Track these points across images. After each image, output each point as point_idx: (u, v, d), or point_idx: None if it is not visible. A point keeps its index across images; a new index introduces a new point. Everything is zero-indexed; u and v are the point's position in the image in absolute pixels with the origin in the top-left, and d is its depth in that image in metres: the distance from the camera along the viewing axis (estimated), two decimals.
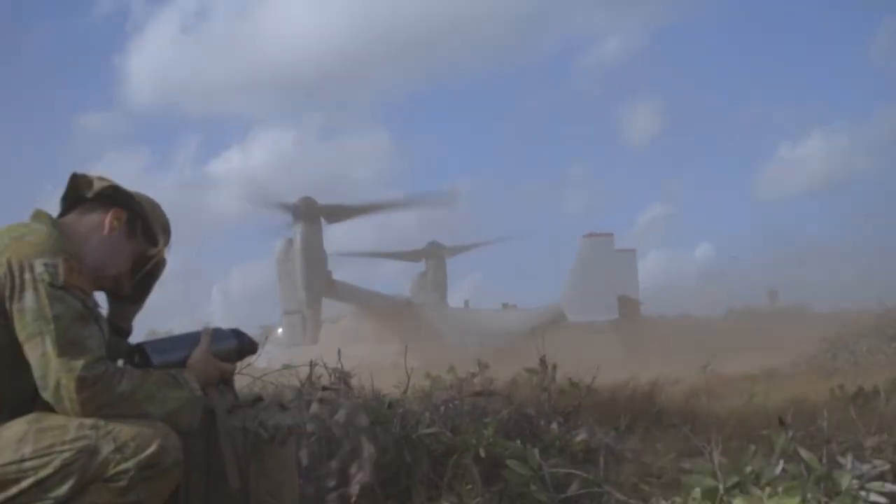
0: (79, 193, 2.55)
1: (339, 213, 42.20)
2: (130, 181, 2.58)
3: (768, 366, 16.98)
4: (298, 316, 41.52)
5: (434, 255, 48.52)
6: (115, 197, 2.54)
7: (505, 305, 46.67)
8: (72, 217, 2.52)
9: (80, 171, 2.56)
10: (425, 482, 3.91)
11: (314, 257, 40.50)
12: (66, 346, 2.14)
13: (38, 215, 2.42)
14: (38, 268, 2.20)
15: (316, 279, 40.48)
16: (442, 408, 4.75)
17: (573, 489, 3.64)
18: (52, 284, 2.19)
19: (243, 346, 2.70)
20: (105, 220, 2.51)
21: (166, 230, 2.68)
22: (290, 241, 41.92)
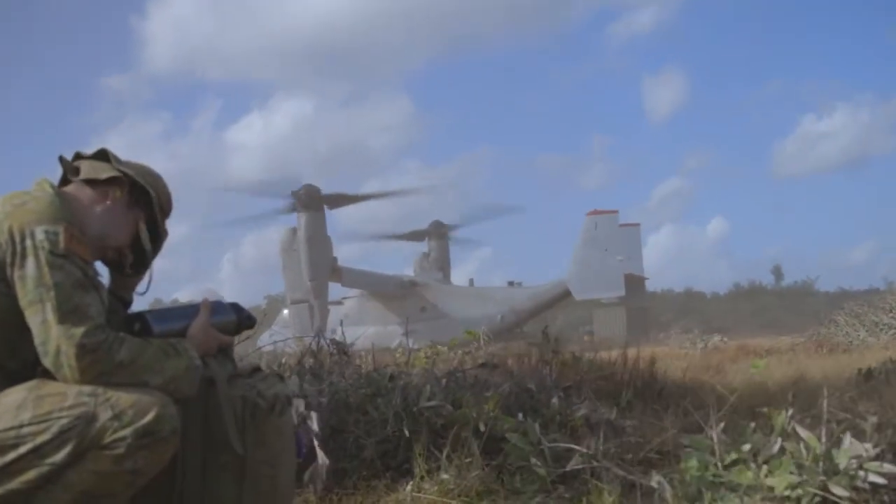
0: (76, 167, 2.55)
1: (340, 200, 41.77)
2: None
3: (770, 342, 17.01)
4: (305, 305, 41.14)
5: (437, 236, 48.31)
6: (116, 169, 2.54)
7: (511, 283, 46.50)
8: (74, 187, 2.51)
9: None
10: (425, 455, 3.92)
11: (319, 246, 39.93)
12: (67, 314, 2.14)
13: (41, 183, 2.41)
14: (39, 235, 2.20)
15: (321, 267, 39.97)
16: (444, 380, 4.77)
17: (573, 464, 3.65)
18: (52, 252, 2.19)
19: (242, 320, 2.71)
20: (107, 191, 2.51)
21: (168, 201, 2.68)
22: (294, 230, 41.49)
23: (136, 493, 2.26)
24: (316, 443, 3.91)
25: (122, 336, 2.22)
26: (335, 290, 42.80)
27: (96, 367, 2.14)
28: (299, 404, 4.05)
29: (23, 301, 2.17)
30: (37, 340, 2.16)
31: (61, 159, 2.56)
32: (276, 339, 9.26)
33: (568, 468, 3.65)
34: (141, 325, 2.45)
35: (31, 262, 2.18)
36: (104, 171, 2.52)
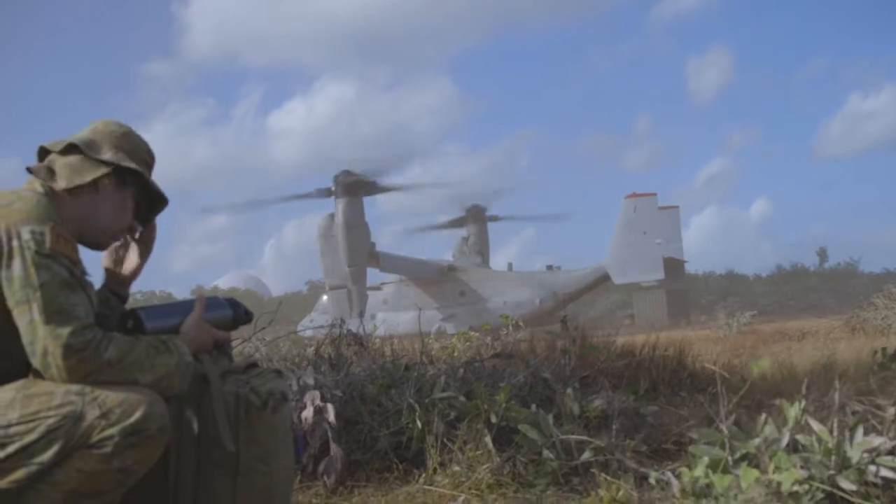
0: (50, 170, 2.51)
1: (376, 189, 41.83)
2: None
3: (809, 325, 16.70)
4: (344, 291, 41.17)
5: (476, 220, 48.28)
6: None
7: (549, 267, 46.27)
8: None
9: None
10: (438, 447, 3.89)
11: (357, 231, 39.95)
12: (53, 314, 2.14)
13: (31, 183, 2.41)
14: (25, 235, 2.20)
15: (359, 253, 39.95)
16: (461, 370, 4.73)
17: (585, 456, 3.60)
18: (38, 252, 2.18)
19: (238, 315, 2.69)
20: (96, 183, 2.48)
21: (150, 156, 2.63)
22: (332, 216, 41.53)
23: (130, 490, 2.27)
24: (330, 435, 3.90)
25: (110, 335, 2.21)
26: (374, 275, 42.95)
27: (83, 366, 2.14)
28: (315, 396, 4.05)
29: (10, 302, 2.17)
30: (25, 341, 2.16)
31: (29, 170, 2.50)
32: (306, 327, 9.29)
33: (580, 460, 3.60)
34: (134, 322, 2.44)
35: (17, 263, 2.17)
36: (85, 172, 2.48)
